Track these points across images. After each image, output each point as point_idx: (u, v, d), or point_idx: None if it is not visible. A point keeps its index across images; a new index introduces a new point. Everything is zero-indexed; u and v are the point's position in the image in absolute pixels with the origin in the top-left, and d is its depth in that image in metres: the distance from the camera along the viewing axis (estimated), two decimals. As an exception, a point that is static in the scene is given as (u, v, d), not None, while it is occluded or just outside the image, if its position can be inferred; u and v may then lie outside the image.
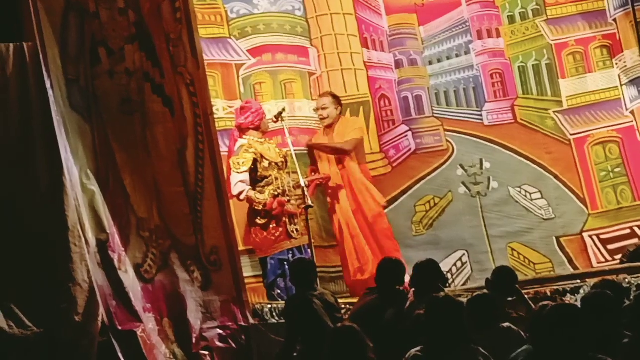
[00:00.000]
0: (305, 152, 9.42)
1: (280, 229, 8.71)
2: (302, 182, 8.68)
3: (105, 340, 7.29)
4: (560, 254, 9.74)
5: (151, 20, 7.92)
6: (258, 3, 9.64)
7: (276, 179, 8.75)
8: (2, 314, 7.08)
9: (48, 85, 7.41)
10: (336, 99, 9.32)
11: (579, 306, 5.44)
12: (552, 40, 10.03)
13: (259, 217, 8.70)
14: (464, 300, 6.37)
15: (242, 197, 8.61)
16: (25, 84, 7.42)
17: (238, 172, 8.65)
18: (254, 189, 8.68)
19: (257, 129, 8.83)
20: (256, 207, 8.64)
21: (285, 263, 8.61)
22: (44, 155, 7.35)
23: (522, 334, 5.86)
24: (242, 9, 9.58)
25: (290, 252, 8.71)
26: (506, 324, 6.08)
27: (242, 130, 8.84)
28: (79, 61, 7.68)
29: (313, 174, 9.22)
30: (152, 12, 7.92)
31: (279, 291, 8.60)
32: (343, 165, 9.23)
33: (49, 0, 7.58)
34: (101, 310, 7.30)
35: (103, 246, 7.53)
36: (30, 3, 7.46)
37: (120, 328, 7.39)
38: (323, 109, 9.29)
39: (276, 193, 8.69)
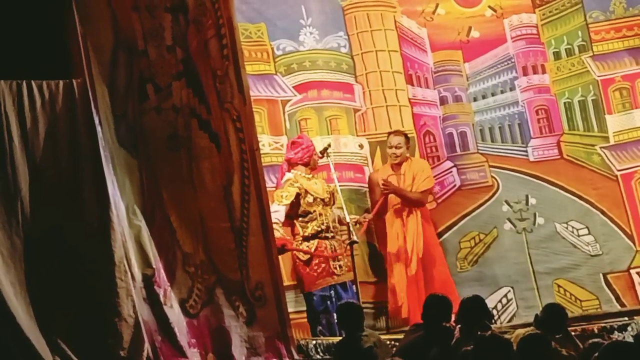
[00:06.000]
0: (351, 187, 9.45)
1: (323, 265, 8.71)
2: (347, 218, 8.69)
3: (151, 375, 7.32)
4: (607, 290, 9.65)
5: (198, 58, 7.99)
6: (304, 40, 9.71)
7: (320, 214, 8.77)
8: (48, 348, 7.10)
9: (96, 121, 7.49)
10: (407, 139, 9.35)
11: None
12: (598, 76, 10.00)
13: (301, 253, 8.72)
14: (510, 336, 6.33)
15: None
16: (74, 120, 7.49)
17: (278, 204, 8.68)
18: (293, 223, 8.71)
19: (306, 164, 8.87)
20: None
21: (328, 301, 8.61)
22: (92, 190, 7.40)
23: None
24: (288, 46, 9.66)
25: (333, 289, 8.70)
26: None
27: (291, 164, 8.89)
28: (127, 98, 7.77)
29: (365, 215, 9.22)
30: (199, 49, 7.99)
31: (320, 327, 8.58)
32: (408, 213, 9.22)
33: (98, 38, 7.68)
34: (146, 345, 7.31)
35: (149, 281, 7.57)
36: (79, 40, 7.55)
37: (165, 363, 7.42)
38: (397, 147, 9.28)
39: (319, 229, 8.71)
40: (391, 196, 9.22)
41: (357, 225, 8.87)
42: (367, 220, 9.11)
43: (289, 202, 8.70)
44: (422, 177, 9.25)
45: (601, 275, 9.69)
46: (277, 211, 8.65)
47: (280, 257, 8.33)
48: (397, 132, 9.43)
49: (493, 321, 8.76)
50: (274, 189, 8.87)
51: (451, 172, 9.88)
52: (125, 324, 7.26)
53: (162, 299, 7.58)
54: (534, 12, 10.16)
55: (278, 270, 8.07)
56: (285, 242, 8.58)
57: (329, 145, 9.01)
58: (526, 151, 9.97)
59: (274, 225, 8.51)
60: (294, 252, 8.71)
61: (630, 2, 10.09)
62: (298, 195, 8.74)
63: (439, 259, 9.31)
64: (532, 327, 7.06)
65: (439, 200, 9.79)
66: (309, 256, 8.69)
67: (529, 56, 10.12)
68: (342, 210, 8.78)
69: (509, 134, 10.03)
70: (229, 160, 7.95)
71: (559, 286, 9.66)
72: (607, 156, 9.88)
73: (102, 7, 7.74)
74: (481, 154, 9.96)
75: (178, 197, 7.84)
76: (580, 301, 9.63)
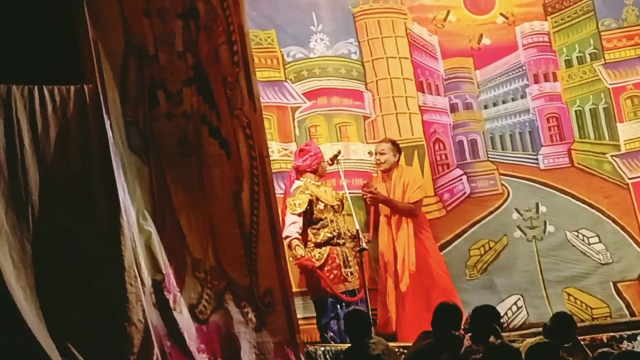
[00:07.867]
0: (360, 194, 9.42)
1: (335, 272, 8.71)
2: (357, 225, 8.69)
3: (160, 380, 7.32)
4: (618, 299, 9.62)
5: (209, 64, 8.01)
6: (314, 47, 9.72)
7: (331, 221, 8.78)
8: (58, 352, 7.11)
9: (107, 126, 7.50)
10: (395, 146, 9.32)
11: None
12: (610, 84, 9.99)
13: (314, 258, 8.71)
14: (520, 346, 6.32)
15: (286, 241, 8.57)
16: (85, 125, 7.51)
17: (293, 213, 8.69)
18: (306, 230, 8.70)
19: (314, 171, 8.88)
20: (290, 257, 8.60)
21: (338, 306, 8.61)
22: (103, 196, 7.41)
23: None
24: (298, 53, 9.66)
25: (344, 295, 8.70)
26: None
27: (300, 172, 8.90)
28: (137, 103, 7.79)
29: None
30: (209, 55, 8.01)
31: (331, 334, 8.58)
32: (398, 224, 9.20)
33: (109, 44, 7.71)
34: (156, 350, 7.32)
35: (158, 286, 7.58)
36: (91, 46, 7.58)
37: (174, 368, 7.43)
38: (381, 154, 9.28)
39: (331, 235, 8.71)
40: (381, 205, 9.20)
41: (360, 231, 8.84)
42: (367, 239, 9.04)
43: (302, 209, 8.70)
44: (414, 187, 9.22)
45: (611, 284, 9.67)
46: (295, 222, 8.66)
47: (289, 262, 8.35)
48: (383, 140, 9.43)
49: (502, 329, 8.75)
50: (283, 195, 8.88)
51: (461, 179, 9.87)
52: (135, 329, 7.28)
53: (171, 304, 7.59)
54: (546, 20, 10.17)
55: (287, 277, 8.08)
56: (312, 265, 8.59)
57: (339, 152, 9.02)
58: (537, 159, 9.96)
59: (296, 242, 8.52)
60: (315, 270, 8.65)
61: (642, 11, 10.10)
62: (310, 202, 8.74)
63: (439, 269, 9.26)
64: (540, 337, 7.05)
65: (449, 208, 9.78)
66: (321, 262, 8.68)
67: (540, 64, 10.12)
68: (351, 218, 8.77)
69: (520, 141, 10.03)
70: (239, 167, 7.97)
71: (569, 294, 9.64)
72: (618, 164, 9.87)
73: (114, 13, 7.77)
74: (491, 161, 9.95)
75: (188, 203, 7.86)
76: (591, 309, 9.61)
